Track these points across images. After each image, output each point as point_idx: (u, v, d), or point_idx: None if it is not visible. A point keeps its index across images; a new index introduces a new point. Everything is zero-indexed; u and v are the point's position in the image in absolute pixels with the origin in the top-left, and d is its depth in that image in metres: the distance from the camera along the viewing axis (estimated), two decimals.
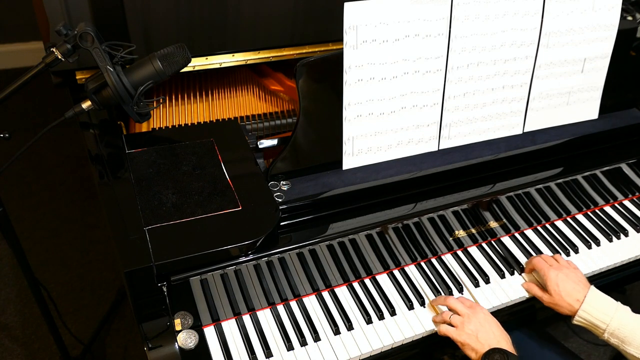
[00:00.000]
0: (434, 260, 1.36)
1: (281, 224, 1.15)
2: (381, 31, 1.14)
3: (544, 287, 1.28)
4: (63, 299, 2.07)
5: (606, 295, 1.22)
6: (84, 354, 1.87)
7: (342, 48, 1.13)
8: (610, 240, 1.47)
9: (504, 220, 1.40)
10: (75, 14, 1.25)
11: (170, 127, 1.38)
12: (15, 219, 1.64)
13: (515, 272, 1.36)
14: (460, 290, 1.30)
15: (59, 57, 1.09)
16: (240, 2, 1.38)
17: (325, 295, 1.26)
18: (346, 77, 1.15)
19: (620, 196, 1.57)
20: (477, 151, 1.34)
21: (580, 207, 1.52)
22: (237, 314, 1.18)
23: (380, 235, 1.24)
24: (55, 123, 1.14)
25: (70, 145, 2.75)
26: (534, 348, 1.36)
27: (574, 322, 1.22)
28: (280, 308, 1.22)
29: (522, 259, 1.39)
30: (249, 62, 1.42)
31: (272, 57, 1.43)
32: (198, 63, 1.37)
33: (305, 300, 1.24)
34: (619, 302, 1.20)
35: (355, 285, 1.29)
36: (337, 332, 1.19)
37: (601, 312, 1.18)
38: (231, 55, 1.39)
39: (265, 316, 1.20)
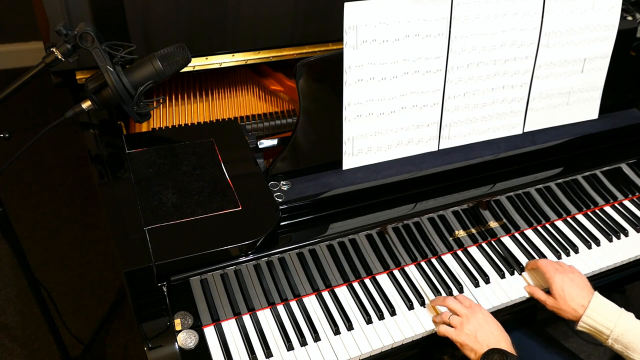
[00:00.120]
0: (434, 260, 1.36)
1: (281, 224, 1.15)
2: (381, 31, 1.14)
3: (546, 291, 1.27)
4: (63, 299, 2.07)
5: (610, 302, 1.21)
6: (84, 354, 1.87)
7: (342, 48, 1.13)
8: (610, 240, 1.47)
9: (504, 220, 1.40)
10: (75, 14, 1.25)
11: (170, 127, 1.38)
12: (15, 219, 1.64)
13: (515, 272, 1.36)
14: (461, 290, 1.30)
15: (59, 57, 1.09)
16: (240, 2, 1.38)
17: (325, 295, 1.26)
18: (346, 77, 1.15)
19: (620, 196, 1.57)
20: (477, 151, 1.34)
21: (580, 207, 1.52)
22: (237, 314, 1.18)
23: (380, 235, 1.24)
24: (55, 123, 1.14)
25: (70, 145, 2.75)
26: (534, 348, 1.36)
27: (578, 327, 1.21)
28: (280, 308, 1.22)
29: (522, 259, 1.39)
30: (249, 62, 1.42)
31: (272, 57, 1.43)
32: (198, 63, 1.37)
33: (305, 300, 1.24)
34: (623, 309, 1.20)
35: (355, 285, 1.29)
36: (337, 332, 1.19)
37: (605, 318, 1.17)
38: (231, 55, 1.39)
39: (265, 316, 1.20)
